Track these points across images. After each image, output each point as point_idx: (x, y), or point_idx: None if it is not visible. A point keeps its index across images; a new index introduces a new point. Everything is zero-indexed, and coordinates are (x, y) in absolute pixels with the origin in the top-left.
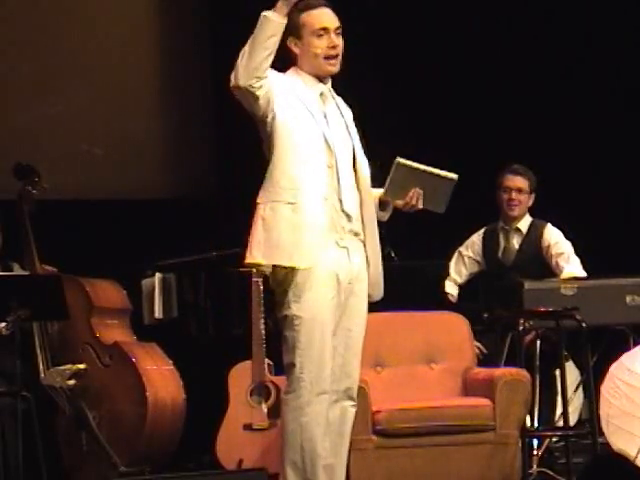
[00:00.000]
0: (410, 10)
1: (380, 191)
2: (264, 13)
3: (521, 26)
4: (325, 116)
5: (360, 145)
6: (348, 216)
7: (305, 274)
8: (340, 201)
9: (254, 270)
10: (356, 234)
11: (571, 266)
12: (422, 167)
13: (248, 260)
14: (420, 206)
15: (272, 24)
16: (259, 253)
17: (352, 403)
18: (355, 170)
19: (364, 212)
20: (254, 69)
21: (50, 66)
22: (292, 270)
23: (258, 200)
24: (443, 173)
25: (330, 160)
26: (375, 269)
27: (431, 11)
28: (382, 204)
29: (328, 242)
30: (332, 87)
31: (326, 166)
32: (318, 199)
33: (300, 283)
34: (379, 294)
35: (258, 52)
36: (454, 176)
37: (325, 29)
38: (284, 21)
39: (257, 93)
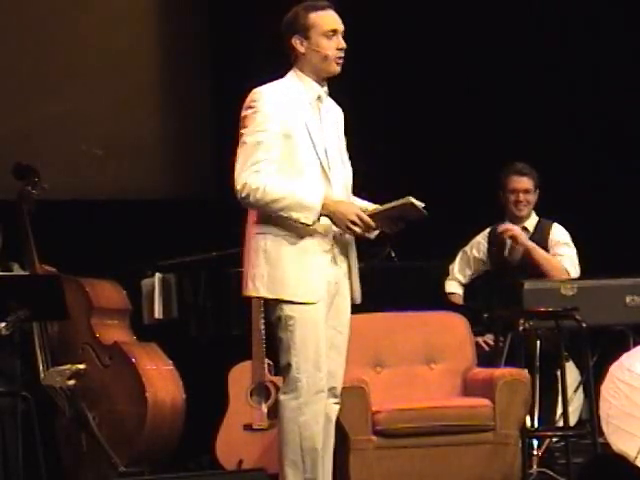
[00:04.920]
0: (408, 10)
1: (366, 204)
2: (311, 218)
3: (523, 24)
4: (320, 121)
5: (344, 146)
6: None
7: None
8: None
9: None
10: (341, 238)
11: (565, 258)
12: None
13: (252, 294)
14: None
15: (302, 223)
16: (263, 287)
17: (336, 401)
18: None
19: None
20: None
21: (50, 67)
22: None
23: (256, 230)
24: (414, 203)
25: (328, 190)
26: (355, 272)
27: (431, 9)
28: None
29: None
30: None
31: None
32: (319, 234)
33: None
34: (359, 296)
35: (272, 212)
36: (418, 204)
37: (335, 31)
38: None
39: None
